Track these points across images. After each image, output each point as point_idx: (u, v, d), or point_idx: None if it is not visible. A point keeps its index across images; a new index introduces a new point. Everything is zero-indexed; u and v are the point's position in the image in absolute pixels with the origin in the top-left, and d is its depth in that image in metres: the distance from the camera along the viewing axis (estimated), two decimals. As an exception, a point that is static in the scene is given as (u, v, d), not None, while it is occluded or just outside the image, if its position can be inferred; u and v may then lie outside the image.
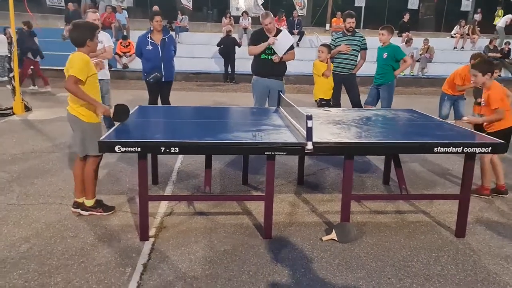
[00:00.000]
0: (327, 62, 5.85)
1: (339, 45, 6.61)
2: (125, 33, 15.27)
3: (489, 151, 3.30)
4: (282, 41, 5.54)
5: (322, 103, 5.80)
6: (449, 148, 3.26)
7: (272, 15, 5.78)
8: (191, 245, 3.35)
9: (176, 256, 3.18)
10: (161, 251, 3.25)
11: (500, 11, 19.59)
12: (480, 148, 3.28)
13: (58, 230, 3.53)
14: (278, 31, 5.82)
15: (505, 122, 4.14)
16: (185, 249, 3.28)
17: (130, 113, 3.87)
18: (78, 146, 3.76)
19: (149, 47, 6.09)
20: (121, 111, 3.72)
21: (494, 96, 4.11)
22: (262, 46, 5.60)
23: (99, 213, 3.80)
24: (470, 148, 3.27)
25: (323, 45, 6.00)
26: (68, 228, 3.57)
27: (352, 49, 6.61)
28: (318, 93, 5.89)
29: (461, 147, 3.26)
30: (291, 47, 5.75)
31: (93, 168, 3.78)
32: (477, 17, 19.82)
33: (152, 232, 3.53)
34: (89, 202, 3.82)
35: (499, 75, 6.43)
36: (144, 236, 3.39)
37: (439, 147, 3.26)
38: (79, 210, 3.83)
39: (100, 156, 3.81)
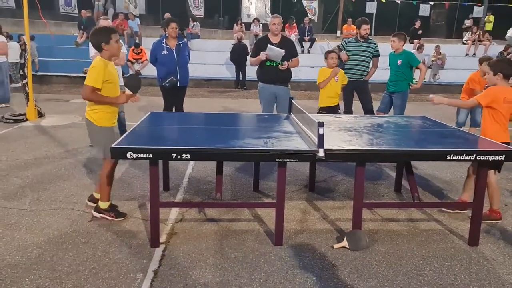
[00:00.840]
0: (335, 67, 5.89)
1: (351, 48, 6.62)
2: (137, 41, 15.44)
3: (502, 158, 3.25)
4: (272, 54, 5.58)
5: (321, 113, 5.79)
6: (462, 156, 3.22)
7: (282, 20, 5.84)
8: (201, 251, 3.35)
9: (186, 263, 3.18)
10: (171, 257, 3.25)
11: (490, 17, 19.49)
12: (493, 156, 3.23)
13: (70, 235, 3.56)
14: (284, 39, 5.84)
15: (499, 137, 3.77)
16: (195, 256, 3.28)
17: (142, 118, 3.90)
18: (101, 150, 3.82)
19: (165, 52, 6.19)
20: (133, 81, 3.89)
21: (488, 92, 3.88)
22: (257, 59, 5.69)
23: (110, 218, 3.83)
24: (483, 156, 3.23)
25: (332, 51, 5.99)
26: (79, 234, 3.59)
27: (365, 56, 6.60)
28: (320, 101, 5.91)
29: (474, 155, 3.23)
30: (295, 55, 5.78)
31: (107, 171, 3.82)
32: (468, 22, 19.73)
33: (163, 238, 3.53)
34: (103, 205, 3.86)
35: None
36: (155, 243, 3.40)
37: (452, 155, 3.22)
38: (92, 205, 3.95)
39: (115, 160, 3.84)
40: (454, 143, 3.65)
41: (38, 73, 13.60)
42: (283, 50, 5.57)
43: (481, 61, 6.19)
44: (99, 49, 3.71)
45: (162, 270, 3.08)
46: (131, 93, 3.84)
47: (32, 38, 11.77)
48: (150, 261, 3.19)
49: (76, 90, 12.15)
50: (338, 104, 6.04)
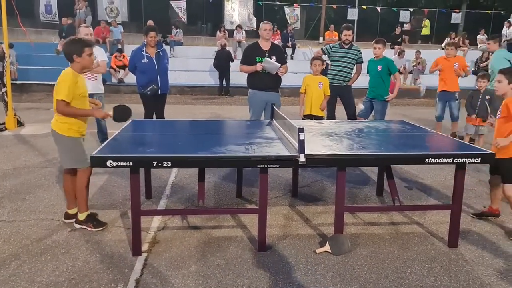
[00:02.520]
0: (320, 74, 5.94)
1: (335, 54, 6.70)
2: (119, 46, 15.34)
3: (479, 161, 3.32)
4: (268, 66, 5.61)
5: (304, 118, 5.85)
6: (440, 159, 3.29)
7: (272, 26, 5.91)
8: (184, 259, 3.33)
9: (169, 271, 3.15)
10: (154, 266, 3.22)
11: (426, 21, 20.03)
12: (470, 159, 3.30)
13: (49, 246, 3.50)
14: (274, 46, 5.89)
15: None
16: (178, 264, 3.26)
17: (123, 126, 3.88)
18: (62, 159, 3.84)
19: (145, 60, 6.16)
20: (121, 110, 3.77)
21: None
22: (251, 68, 5.71)
23: (89, 228, 3.78)
24: (460, 159, 3.30)
25: (317, 58, 6.04)
26: (59, 244, 3.53)
27: (348, 62, 6.69)
28: (306, 109, 5.94)
29: (452, 158, 3.29)
30: (284, 62, 5.84)
31: (83, 181, 3.79)
32: (407, 26, 20.23)
33: (145, 247, 3.50)
34: (81, 216, 3.81)
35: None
36: (136, 251, 3.36)
37: (430, 158, 3.29)
38: (71, 221, 3.87)
39: (89, 169, 3.81)
40: (432, 147, 3.72)
41: (18, 82, 13.39)
42: (279, 64, 5.61)
43: (449, 44, 7.05)
44: (70, 60, 3.69)
45: (144, 279, 3.05)
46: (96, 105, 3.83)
47: (10, 46, 11.60)
48: (131, 270, 3.15)
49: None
50: (323, 117, 6.06)
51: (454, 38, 18.16)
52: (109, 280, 3.02)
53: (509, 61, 6.82)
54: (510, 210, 4.02)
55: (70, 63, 3.72)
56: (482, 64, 15.71)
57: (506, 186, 3.77)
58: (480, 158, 3.33)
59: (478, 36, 18.19)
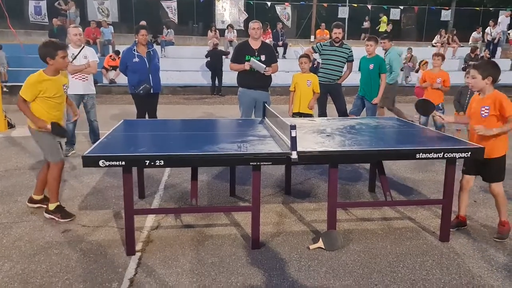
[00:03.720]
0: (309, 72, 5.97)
1: (325, 52, 6.73)
2: (115, 48, 15.27)
3: (469, 155, 3.36)
4: (255, 66, 5.64)
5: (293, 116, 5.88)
6: (430, 154, 3.32)
7: (261, 25, 5.92)
8: (178, 258, 3.33)
9: (163, 270, 3.16)
10: (147, 265, 3.23)
11: (384, 18, 20.26)
12: (460, 153, 3.34)
13: (42, 247, 3.49)
14: (264, 44, 5.90)
15: (506, 144, 3.61)
16: (172, 263, 3.26)
17: (115, 126, 3.88)
18: (43, 153, 4.09)
19: (136, 59, 6.13)
20: (57, 127, 3.94)
21: (508, 102, 3.44)
22: (240, 67, 5.74)
23: (57, 218, 3.96)
24: (450, 154, 3.34)
25: (304, 56, 6.06)
26: (52, 245, 3.52)
27: (339, 60, 6.72)
28: (294, 107, 5.95)
29: (442, 153, 3.33)
30: (274, 61, 5.86)
31: (53, 174, 3.98)
32: (366, 24, 20.43)
33: (138, 246, 3.50)
34: (51, 206, 4.00)
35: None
36: (130, 251, 3.36)
37: (421, 153, 3.32)
38: (34, 206, 4.21)
39: (60, 162, 4.00)
40: (423, 142, 3.76)
41: (8, 84, 13.26)
42: (264, 66, 5.63)
43: (436, 55, 6.79)
44: (44, 61, 3.84)
45: (138, 278, 3.05)
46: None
47: (-1, 47, 11.53)
48: (125, 269, 3.15)
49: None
50: (312, 115, 6.07)
51: (444, 36, 18.31)
52: (103, 279, 3.02)
53: (399, 55, 8.20)
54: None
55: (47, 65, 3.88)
56: (471, 62, 15.87)
57: (494, 184, 3.66)
58: (470, 153, 3.37)
59: (473, 34, 18.32)
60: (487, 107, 3.50)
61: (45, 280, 3.00)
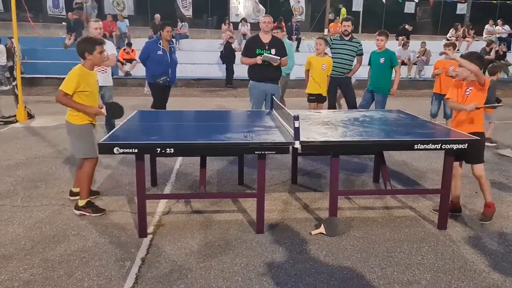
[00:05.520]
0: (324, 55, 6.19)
1: (335, 46, 6.86)
2: (126, 41, 15.56)
3: (466, 147, 3.49)
4: (269, 58, 5.80)
5: (310, 99, 6.11)
6: (428, 145, 3.46)
7: (272, 19, 6.09)
8: (187, 240, 3.55)
9: (172, 251, 3.37)
10: (158, 246, 3.45)
11: (343, 10, 20.06)
12: (457, 145, 3.47)
13: (61, 229, 3.73)
14: (274, 38, 6.05)
15: (482, 124, 3.93)
16: (181, 245, 3.47)
17: (129, 117, 4.10)
18: (74, 149, 4.12)
19: (160, 52, 6.56)
20: (114, 108, 4.04)
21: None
22: (252, 60, 5.90)
23: (88, 213, 4.02)
24: (448, 145, 3.47)
25: (320, 38, 6.23)
26: (70, 227, 3.77)
27: (348, 54, 6.83)
28: (308, 88, 6.18)
29: (440, 144, 3.46)
30: (284, 54, 6.01)
31: (87, 171, 4.03)
32: (330, 15, 20.40)
33: (150, 229, 3.72)
34: (81, 202, 4.05)
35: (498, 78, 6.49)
36: (142, 233, 3.59)
37: (419, 144, 3.46)
38: (75, 198, 4.20)
39: (94, 159, 4.06)
40: (422, 133, 3.88)
41: (27, 76, 13.67)
42: (278, 57, 5.80)
43: (447, 45, 6.71)
44: (82, 57, 3.95)
45: (149, 257, 3.27)
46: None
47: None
48: (138, 250, 3.38)
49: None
50: (326, 97, 6.29)
51: (459, 29, 18.12)
52: (117, 258, 3.25)
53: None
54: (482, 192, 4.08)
55: (82, 60, 3.98)
56: (487, 56, 15.73)
57: (475, 167, 3.86)
58: (467, 144, 3.49)
59: (486, 27, 18.09)
60: (471, 88, 3.83)
61: (63, 258, 3.24)
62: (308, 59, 6.29)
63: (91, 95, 3.97)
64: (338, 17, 18.75)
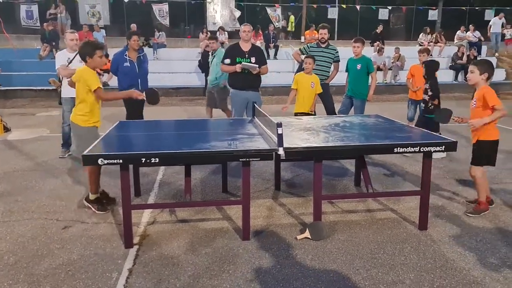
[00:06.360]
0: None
1: (312, 53, 6.95)
2: (105, 52, 15.43)
3: (443, 149, 3.62)
4: (248, 66, 5.88)
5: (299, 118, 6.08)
6: (407, 148, 3.57)
7: (252, 28, 6.20)
8: (173, 250, 3.55)
9: (160, 261, 3.37)
10: (145, 256, 3.44)
11: (291, 17, 20.78)
12: (434, 147, 3.60)
13: (44, 243, 3.68)
14: (254, 47, 6.13)
15: (493, 134, 4.07)
16: (168, 254, 3.48)
17: (111, 128, 4.10)
18: (80, 150, 4.04)
19: (127, 64, 6.43)
20: (152, 95, 4.47)
21: (491, 94, 3.90)
22: (231, 68, 5.97)
23: (93, 209, 4.28)
24: (426, 148, 3.59)
25: (310, 57, 6.23)
26: (54, 241, 3.72)
27: (325, 61, 6.95)
28: (297, 107, 6.14)
29: (418, 147, 3.58)
30: (264, 62, 6.09)
31: (90, 170, 4.23)
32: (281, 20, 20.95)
33: (136, 240, 3.71)
34: (92, 196, 4.34)
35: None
36: (128, 244, 3.57)
37: (398, 148, 3.57)
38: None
39: None
40: (401, 137, 4.01)
41: (2, 88, 13.39)
42: (257, 65, 5.87)
43: (421, 51, 7.03)
44: (84, 59, 4.16)
45: (136, 268, 3.26)
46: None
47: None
48: (124, 261, 3.36)
49: (41, 104, 12.07)
50: (314, 112, 6.29)
51: (429, 33, 18.69)
52: (104, 270, 3.23)
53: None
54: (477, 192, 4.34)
55: (84, 63, 4.21)
56: (459, 61, 16.25)
57: (472, 167, 4.18)
58: (444, 146, 3.63)
59: (458, 33, 18.68)
60: (475, 100, 4.03)
61: (49, 272, 3.20)
62: (295, 78, 6.17)
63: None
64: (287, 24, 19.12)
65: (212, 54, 8.22)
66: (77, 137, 4.31)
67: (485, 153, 4.09)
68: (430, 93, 6.11)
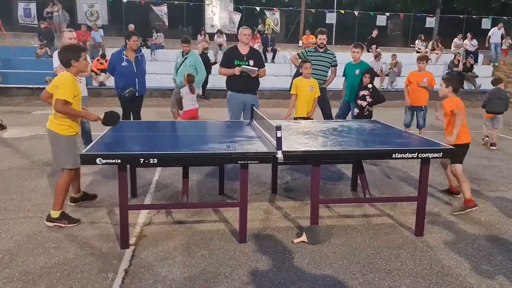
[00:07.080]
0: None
1: (310, 57, 6.98)
2: (101, 52, 15.40)
3: (441, 156, 3.64)
4: (247, 69, 5.89)
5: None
6: (405, 154, 3.59)
7: (251, 31, 6.18)
8: (170, 251, 3.54)
9: (156, 262, 3.36)
10: (141, 257, 3.42)
11: (267, 20, 20.99)
12: (432, 154, 3.61)
13: (40, 241, 3.66)
14: (252, 50, 6.14)
15: (462, 137, 4.49)
16: (164, 255, 3.46)
17: (109, 127, 4.08)
18: (59, 160, 4.02)
19: (124, 63, 6.43)
20: (110, 116, 4.17)
21: (449, 101, 4.50)
22: (230, 71, 5.96)
23: (63, 225, 3.94)
24: (424, 154, 3.61)
25: (307, 61, 6.22)
26: (50, 240, 3.69)
27: (323, 65, 6.98)
28: (297, 112, 6.13)
29: (416, 153, 3.60)
30: (262, 65, 6.10)
31: (65, 181, 4.01)
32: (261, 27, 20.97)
33: (132, 240, 3.69)
34: (54, 214, 3.96)
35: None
36: (124, 244, 3.56)
37: (396, 153, 3.58)
38: (78, 204, 4.43)
39: (74, 170, 4.05)
40: (399, 143, 4.03)
41: (1, 85, 13.31)
42: (256, 68, 5.88)
43: (420, 58, 7.18)
44: (67, 65, 3.92)
45: (132, 269, 3.25)
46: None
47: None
48: (120, 261, 3.35)
49: (37, 102, 12.00)
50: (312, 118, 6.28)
51: (424, 40, 18.82)
52: (100, 270, 3.21)
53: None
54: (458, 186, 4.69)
55: (66, 68, 3.95)
56: (455, 69, 16.35)
57: (453, 166, 4.55)
58: (442, 153, 3.65)
59: (455, 40, 18.79)
60: (442, 109, 4.58)
61: (44, 271, 3.18)
62: (294, 83, 6.13)
63: (77, 100, 3.98)
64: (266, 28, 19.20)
65: (183, 56, 8.23)
66: (56, 146, 3.98)
67: (462, 153, 4.55)
68: (369, 99, 6.21)
